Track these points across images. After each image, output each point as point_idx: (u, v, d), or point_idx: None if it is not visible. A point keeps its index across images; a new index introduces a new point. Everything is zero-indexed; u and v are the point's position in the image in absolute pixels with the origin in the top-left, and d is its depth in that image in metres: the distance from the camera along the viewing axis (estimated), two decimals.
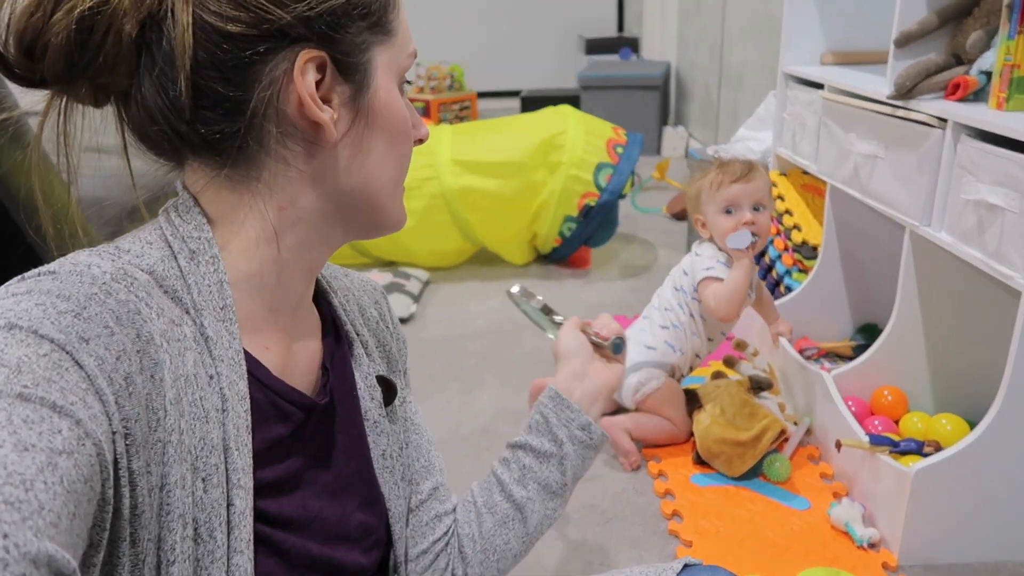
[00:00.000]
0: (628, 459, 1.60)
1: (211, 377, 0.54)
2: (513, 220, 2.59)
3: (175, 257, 0.56)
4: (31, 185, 0.68)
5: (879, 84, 1.55)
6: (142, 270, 0.54)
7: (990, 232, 1.22)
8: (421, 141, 0.65)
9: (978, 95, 1.35)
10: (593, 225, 2.59)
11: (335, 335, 0.70)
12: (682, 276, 1.69)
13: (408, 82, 0.66)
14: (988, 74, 1.32)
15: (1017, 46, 1.23)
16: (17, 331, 0.44)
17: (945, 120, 1.33)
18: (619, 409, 1.77)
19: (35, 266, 0.52)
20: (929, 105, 1.37)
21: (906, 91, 1.40)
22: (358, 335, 0.72)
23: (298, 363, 0.64)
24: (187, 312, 0.55)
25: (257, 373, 0.59)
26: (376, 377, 0.73)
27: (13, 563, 0.34)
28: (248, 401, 0.56)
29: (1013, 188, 1.16)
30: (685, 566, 0.75)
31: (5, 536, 0.34)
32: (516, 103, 5.10)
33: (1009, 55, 1.25)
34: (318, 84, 0.56)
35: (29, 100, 0.59)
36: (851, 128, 1.64)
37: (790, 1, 1.95)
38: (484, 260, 2.80)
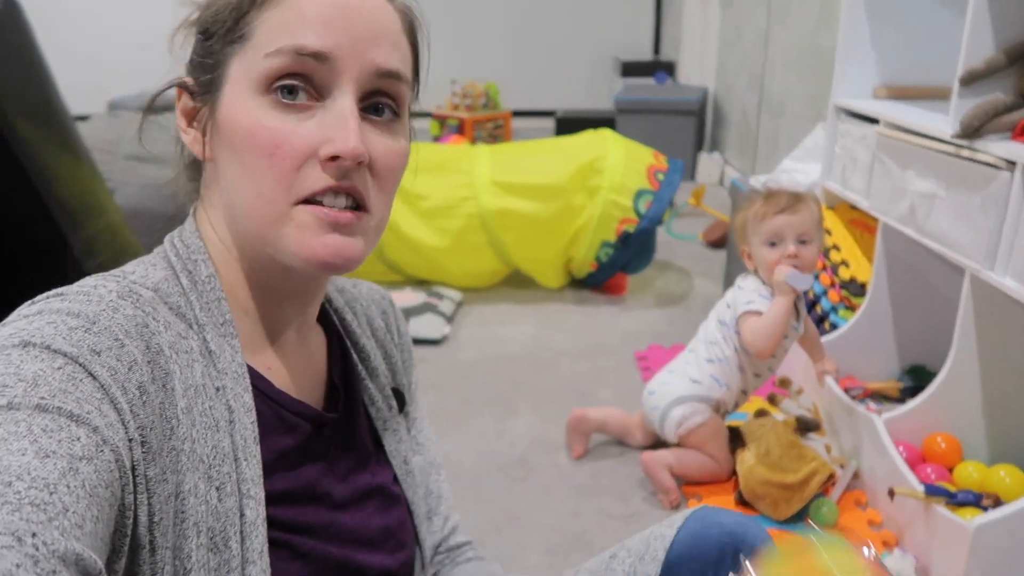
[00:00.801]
0: (668, 496, 1.56)
1: (217, 389, 0.55)
2: (550, 243, 2.57)
3: (177, 277, 0.58)
4: (80, 192, 0.73)
5: (939, 121, 1.51)
6: (147, 288, 0.56)
7: None
8: (334, 158, 0.54)
9: None
10: (631, 252, 2.56)
11: (341, 347, 0.71)
12: (725, 309, 1.66)
13: (289, 88, 0.54)
14: None
15: None
16: (31, 348, 0.46)
17: (1013, 163, 1.28)
18: (657, 442, 1.73)
19: (79, 277, 0.54)
20: (996, 146, 1.33)
21: (973, 131, 1.36)
22: (365, 347, 0.72)
23: (303, 378, 0.65)
24: (191, 327, 0.56)
25: (261, 386, 0.60)
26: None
27: (43, 559, 0.35)
28: (254, 413, 0.57)
29: None
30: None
31: (34, 535, 0.35)
32: (550, 123, 5.09)
33: None
34: (189, 107, 0.60)
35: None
36: (908, 165, 1.59)
37: (845, 32, 1.92)
38: (517, 283, 2.78)
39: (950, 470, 1.50)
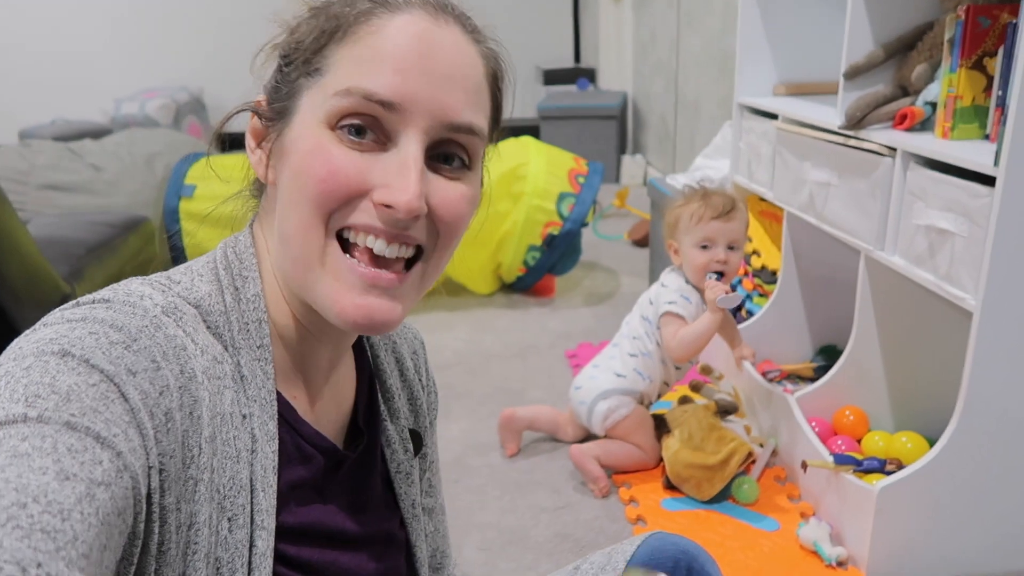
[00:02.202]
0: (598, 486, 1.61)
1: (244, 417, 0.55)
2: (478, 250, 2.61)
3: (222, 292, 0.58)
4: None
5: (830, 115, 1.61)
6: (190, 303, 0.56)
7: (941, 255, 1.27)
8: (386, 206, 0.52)
9: (924, 125, 1.41)
10: (557, 254, 2.62)
11: (369, 384, 0.70)
12: (648, 305, 1.72)
13: (357, 128, 0.53)
14: (933, 105, 1.39)
15: (959, 79, 1.30)
16: (70, 359, 0.45)
17: (894, 149, 1.38)
18: (588, 436, 1.78)
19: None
20: (879, 135, 1.43)
21: (856, 121, 1.46)
22: (390, 387, 0.71)
23: (328, 411, 0.65)
24: (227, 349, 0.56)
25: (286, 414, 0.59)
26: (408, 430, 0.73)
27: None
28: (276, 442, 0.56)
29: (961, 213, 1.21)
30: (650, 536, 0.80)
31: (39, 565, 0.35)
32: None
33: (952, 87, 1.31)
34: (259, 128, 0.59)
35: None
36: (805, 157, 1.69)
37: (743, 35, 2.02)
38: (450, 290, 2.81)
39: (859, 441, 1.59)
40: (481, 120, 0.57)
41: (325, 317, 0.56)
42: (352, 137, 0.53)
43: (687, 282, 1.67)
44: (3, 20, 5.34)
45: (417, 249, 0.56)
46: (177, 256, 2.47)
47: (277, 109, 0.57)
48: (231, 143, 0.68)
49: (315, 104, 0.54)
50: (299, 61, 0.56)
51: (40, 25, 5.39)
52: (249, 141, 0.60)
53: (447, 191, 0.55)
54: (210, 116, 5.14)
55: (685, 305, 1.64)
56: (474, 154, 0.57)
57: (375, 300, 0.54)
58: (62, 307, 0.51)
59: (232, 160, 0.66)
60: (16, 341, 0.48)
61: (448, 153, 0.56)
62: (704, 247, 1.63)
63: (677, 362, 1.68)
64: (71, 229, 2.17)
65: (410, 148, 0.53)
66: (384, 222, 0.53)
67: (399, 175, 0.52)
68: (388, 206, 0.52)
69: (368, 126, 0.53)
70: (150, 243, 2.46)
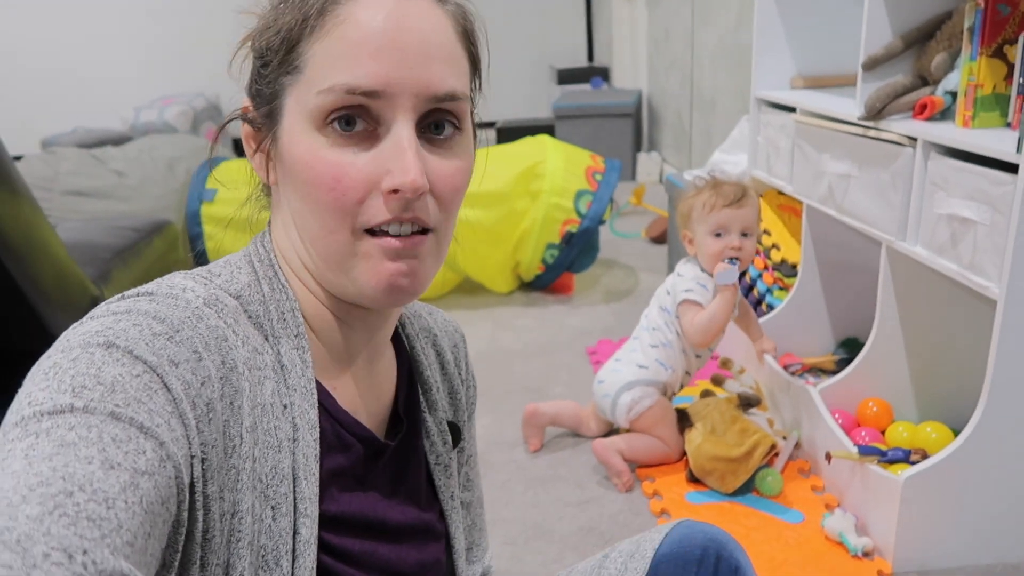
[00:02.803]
0: (621, 479, 1.62)
1: (285, 406, 0.56)
2: (496, 249, 2.62)
3: (259, 283, 0.59)
4: (22, 229, 0.70)
5: (849, 106, 1.61)
6: (231, 295, 0.57)
7: (963, 244, 1.27)
8: (395, 191, 0.54)
9: (944, 114, 1.41)
10: (575, 251, 2.63)
11: (409, 376, 0.71)
12: (665, 296, 1.73)
13: (347, 119, 0.54)
14: (953, 94, 1.38)
15: (979, 67, 1.29)
16: (115, 350, 0.47)
17: (915, 139, 1.38)
18: (610, 431, 1.79)
19: (28, 316, 0.54)
20: (898, 125, 1.43)
21: (876, 112, 1.46)
22: (428, 378, 0.72)
23: (367, 401, 0.65)
24: (267, 339, 0.57)
25: (325, 402, 0.60)
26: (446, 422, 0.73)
27: None
28: (317, 430, 0.57)
29: (983, 202, 1.21)
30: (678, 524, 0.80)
31: (85, 552, 0.36)
32: (492, 134, 5.16)
33: (972, 75, 1.31)
34: (253, 132, 0.61)
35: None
36: (824, 149, 1.69)
37: (759, 28, 2.02)
38: (468, 289, 2.82)
39: (883, 432, 1.58)
40: (463, 83, 0.58)
41: (357, 298, 0.58)
42: (343, 130, 0.54)
43: (702, 270, 1.68)
44: (24, 33, 5.43)
45: (422, 228, 0.58)
46: (200, 259, 2.51)
47: (265, 112, 0.58)
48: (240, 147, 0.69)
49: (300, 104, 0.55)
50: (275, 62, 0.57)
51: (59, 37, 5.47)
52: (247, 147, 0.62)
53: (443, 168, 0.57)
54: None
55: (702, 292, 1.65)
56: (462, 116, 0.59)
57: (403, 265, 0.56)
58: (108, 300, 0.53)
59: (245, 164, 0.67)
60: (64, 334, 0.49)
61: (438, 121, 0.57)
62: (718, 235, 1.64)
63: (697, 348, 1.68)
64: (97, 233, 2.20)
65: (402, 131, 0.54)
66: (395, 210, 0.55)
67: (397, 159, 0.54)
68: (395, 191, 0.54)
69: (356, 116, 0.54)
70: (174, 246, 2.49)
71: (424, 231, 0.57)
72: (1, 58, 5.44)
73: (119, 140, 4.07)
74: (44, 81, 5.51)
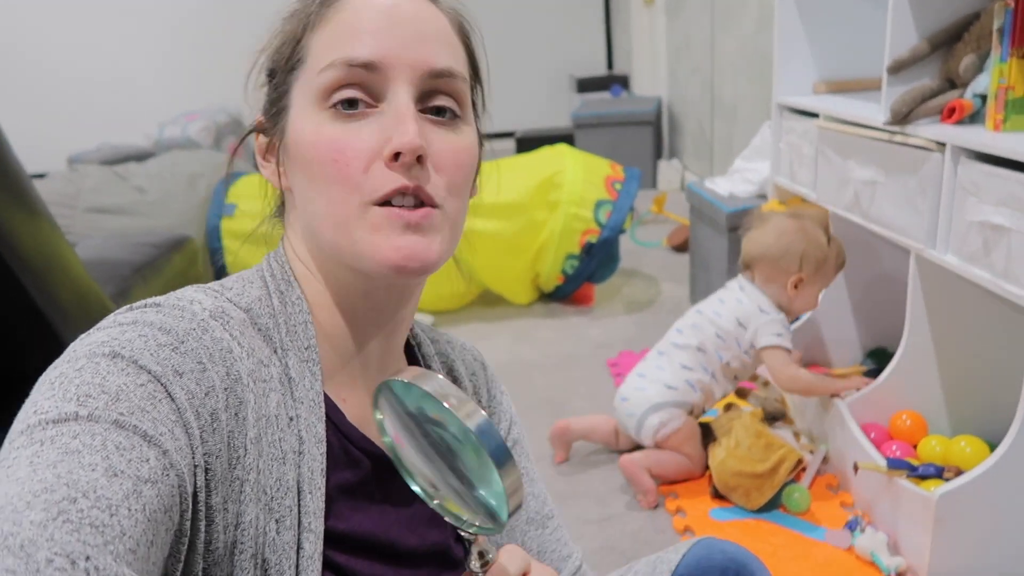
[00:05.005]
0: (647, 497, 1.58)
1: (291, 419, 0.56)
2: (515, 261, 2.60)
3: (271, 296, 0.60)
4: (40, 247, 0.72)
5: (874, 111, 1.57)
6: (240, 308, 0.57)
7: (996, 252, 1.22)
8: (396, 156, 0.54)
9: (974, 118, 1.37)
10: (595, 262, 2.60)
11: None
12: (736, 327, 1.64)
13: (349, 101, 0.55)
14: (983, 97, 1.34)
15: (1010, 68, 1.25)
16: (120, 360, 0.47)
17: (943, 144, 1.34)
18: (636, 446, 1.75)
19: (40, 327, 0.54)
20: (926, 129, 1.38)
21: (902, 117, 1.42)
22: None
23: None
24: (275, 352, 0.57)
25: (334, 417, 0.60)
26: None
27: None
28: (324, 444, 0.57)
29: (1017, 208, 1.17)
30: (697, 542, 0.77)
31: (87, 558, 0.36)
32: (511, 144, 5.15)
33: (1003, 78, 1.26)
34: (264, 142, 0.63)
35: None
36: (849, 155, 1.65)
37: (781, 33, 1.98)
38: (488, 301, 2.80)
39: (915, 447, 1.53)
40: (460, 64, 0.60)
41: (369, 272, 0.57)
42: (346, 111, 0.56)
43: (778, 308, 1.66)
44: (51, 52, 5.53)
45: (424, 202, 0.57)
46: (220, 274, 2.51)
47: (274, 113, 0.61)
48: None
49: (305, 89, 0.58)
50: (282, 64, 0.60)
51: (85, 55, 5.56)
52: (259, 158, 0.63)
53: (445, 141, 0.58)
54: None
55: (789, 338, 1.63)
56: (462, 100, 0.60)
57: (413, 239, 0.56)
58: (115, 312, 0.53)
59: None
60: (72, 345, 0.50)
61: (438, 106, 0.58)
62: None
63: (786, 392, 1.72)
64: (117, 250, 2.21)
65: (400, 99, 0.56)
66: (398, 179, 0.55)
67: (396, 124, 0.55)
68: (396, 154, 0.54)
69: (358, 96, 0.56)
70: (194, 262, 2.50)
71: (431, 206, 0.57)
72: (29, 77, 5.54)
73: (142, 156, 4.11)
74: (71, 99, 5.60)
